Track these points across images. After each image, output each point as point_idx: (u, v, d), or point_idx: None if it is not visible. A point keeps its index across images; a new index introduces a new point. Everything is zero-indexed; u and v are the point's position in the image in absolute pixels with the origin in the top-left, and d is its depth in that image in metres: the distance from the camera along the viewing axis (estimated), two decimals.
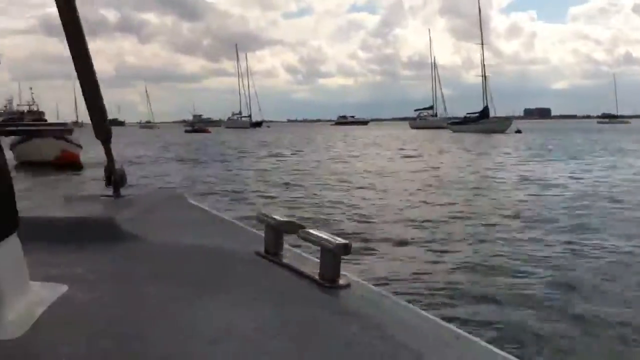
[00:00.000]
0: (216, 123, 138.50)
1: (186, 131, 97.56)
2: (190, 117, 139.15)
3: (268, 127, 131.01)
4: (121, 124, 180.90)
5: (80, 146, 24.81)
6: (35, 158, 23.57)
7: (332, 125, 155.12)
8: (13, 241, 1.27)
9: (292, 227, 1.55)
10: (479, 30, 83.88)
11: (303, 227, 1.50)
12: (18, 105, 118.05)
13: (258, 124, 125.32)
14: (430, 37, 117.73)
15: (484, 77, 77.75)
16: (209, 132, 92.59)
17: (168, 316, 1.25)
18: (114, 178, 2.38)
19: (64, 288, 1.37)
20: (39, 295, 1.32)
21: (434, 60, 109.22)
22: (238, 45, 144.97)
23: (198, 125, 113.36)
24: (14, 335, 1.13)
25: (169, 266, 1.62)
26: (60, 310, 1.26)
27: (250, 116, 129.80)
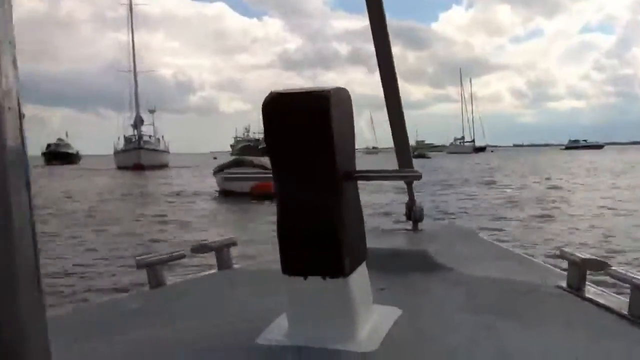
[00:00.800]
0: (439, 148, 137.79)
1: None
2: (414, 143, 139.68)
3: (492, 151, 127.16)
4: None
5: None
6: (235, 187, 21.21)
7: (561, 149, 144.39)
8: (363, 269, 1.47)
9: (598, 265, 1.65)
10: None
11: (609, 265, 1.60)
12: (254, 133, 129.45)
13: (481, 149, 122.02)
14: None
15: None
16: (429, 157, 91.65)
17: (487, 345, 1.37)
18: (414, 215, 2.58)
19: (399, 311, 1.57)
20: (381, 317, 1.51)
21: None
22: (462, 70, 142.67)
23: (419, 150, 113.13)
24: (368, 350, 1.33)
25: (478, 297, 1.76)
26: (400, 332, 1.44)
27: (473, 141, 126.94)
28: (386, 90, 2.34)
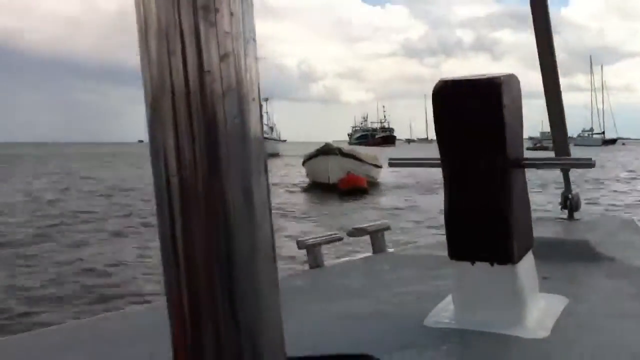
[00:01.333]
0: None
1: (528, 148, 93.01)
2: (537, 134, 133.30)
3: (623, 144, 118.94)
4: None
5: (379, 166, 20.97)
6: (321, 178, 19.87)
7: None
8: (530, 256, 1.48)
9: None
10: None
11: None
12: (371, 122, 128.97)
13: (611, 141, 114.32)
14: None
15: None
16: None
17: None
18: (570, 203, 2.64)
19: (565, 300, 1.57)
20: (549, 304, 1.51)
21: None
22: (593, 58, 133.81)
23: (542, 142, 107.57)
24: (538, 336, 1.34)
25: None
26: (568, 320, 1.44)
27: (603, 133, 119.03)
28: (546, 81, 2.37)
